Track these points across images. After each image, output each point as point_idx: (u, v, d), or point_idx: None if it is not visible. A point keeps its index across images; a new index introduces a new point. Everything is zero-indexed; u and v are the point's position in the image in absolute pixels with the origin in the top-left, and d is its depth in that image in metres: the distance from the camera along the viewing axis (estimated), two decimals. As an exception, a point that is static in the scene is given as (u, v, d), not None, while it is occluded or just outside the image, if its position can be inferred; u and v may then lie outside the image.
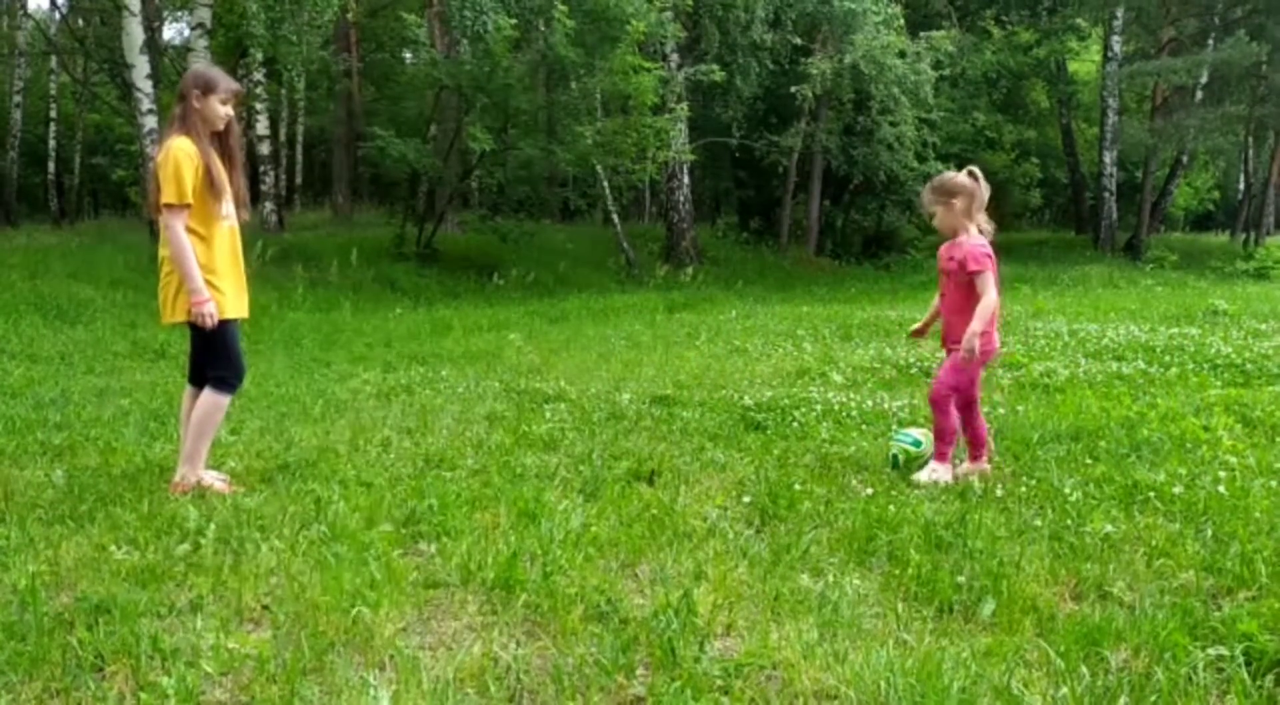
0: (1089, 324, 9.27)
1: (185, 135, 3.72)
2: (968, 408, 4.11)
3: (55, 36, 23.66)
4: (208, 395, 3.85)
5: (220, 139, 3.86)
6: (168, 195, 3.64)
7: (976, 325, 3.88)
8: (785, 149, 19.24)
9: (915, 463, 4.16)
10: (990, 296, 3.89)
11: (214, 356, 3.86)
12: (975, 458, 4.15)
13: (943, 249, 4.12)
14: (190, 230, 3.71)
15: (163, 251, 3.78)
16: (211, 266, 3.76)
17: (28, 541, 3.13)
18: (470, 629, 2.53)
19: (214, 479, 3.88)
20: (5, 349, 8.02)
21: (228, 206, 3.84)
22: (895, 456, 4.21)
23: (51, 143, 23.37)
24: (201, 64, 4.10)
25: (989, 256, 3.94)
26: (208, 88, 3.77)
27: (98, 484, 3.88)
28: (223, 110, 3.81)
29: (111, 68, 17.22)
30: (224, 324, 3.80)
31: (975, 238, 3.97)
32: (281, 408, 5.75)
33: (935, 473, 3.98)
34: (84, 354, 8.14)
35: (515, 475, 4.04)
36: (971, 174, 3.96)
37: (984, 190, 3.95)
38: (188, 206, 3.68)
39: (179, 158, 3.65)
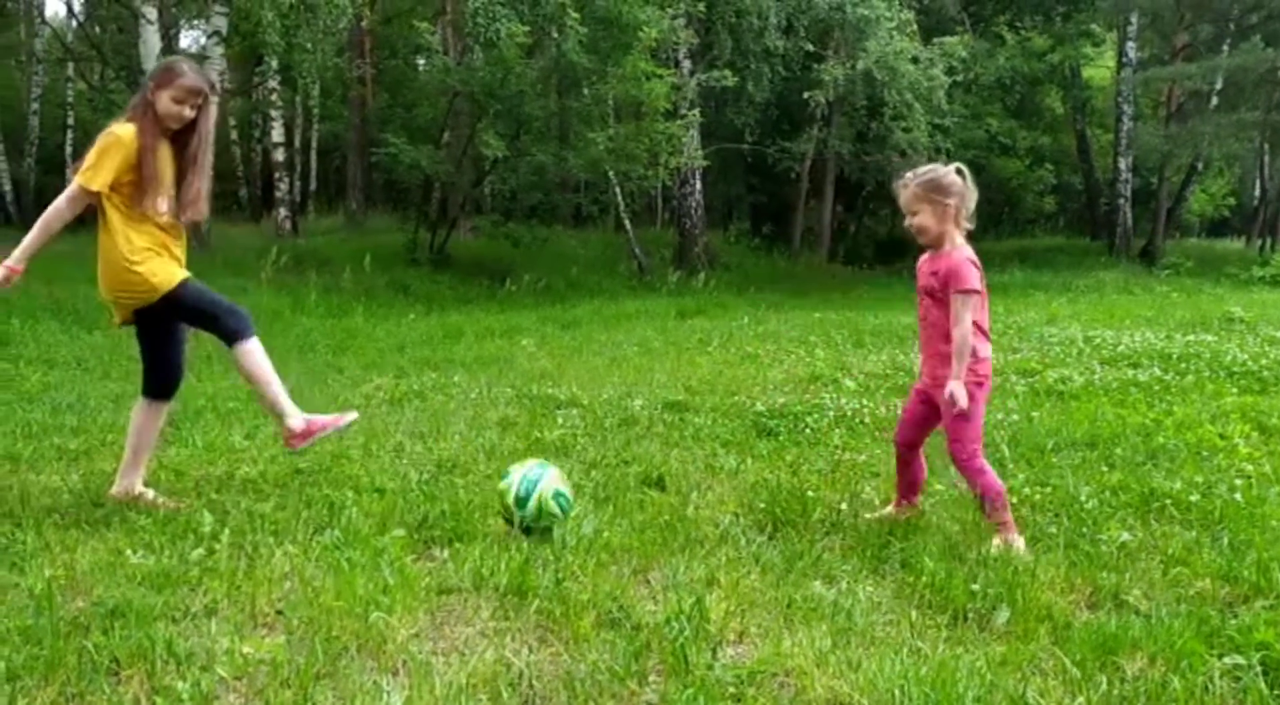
0: (1104, 330, 9.21)
1: (131, 122, 3.56)
2: (911, 448, 3.51)
3: (72, 44, 23.87)
4: (238, 353, 3.63)
5: (182, 137, 3.65)
6: (81, 173, 3.49)
7: (958, 369, 3.17)
8: (798, 155, 19.23)
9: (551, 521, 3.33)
10: (964, 326, 3.17)
11: (203, 316, 3.67)
12: (908, 500, 3.53)
13: (924, 263, 3.40)
14: (118, 212, 3.52)
15: (102, 237, 3.56)
16: (133, 254, 3.53)
17: (44, 546, 3.15)
18: (483, 635, 2.54)
19: (154, 495, 3.72)
20: (22, 354, 8.08)
21: (162, 204, 3.60)
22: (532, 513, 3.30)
23: (69, 149, 23.47)
24: (176, 58, 3.95)
25: (978, 268, 3.25)
26: (160, 82, 3.58)
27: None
28: (175, 108, 3.57)
29: (128, 75, 17.38)
30: (180, 288, 3.57)
31: (963, 248, 3.28)
32: (295, 413, 5.76)
33: (1011, 542, 3.21)
34: (100, 359, 8.18)
35: (528, 481, 4.03)
36: (960, 172, 3.28)
37: (973, 193, 3.31)
38: (93, 194, 3.49)
39: (109, 142, 3.50)
